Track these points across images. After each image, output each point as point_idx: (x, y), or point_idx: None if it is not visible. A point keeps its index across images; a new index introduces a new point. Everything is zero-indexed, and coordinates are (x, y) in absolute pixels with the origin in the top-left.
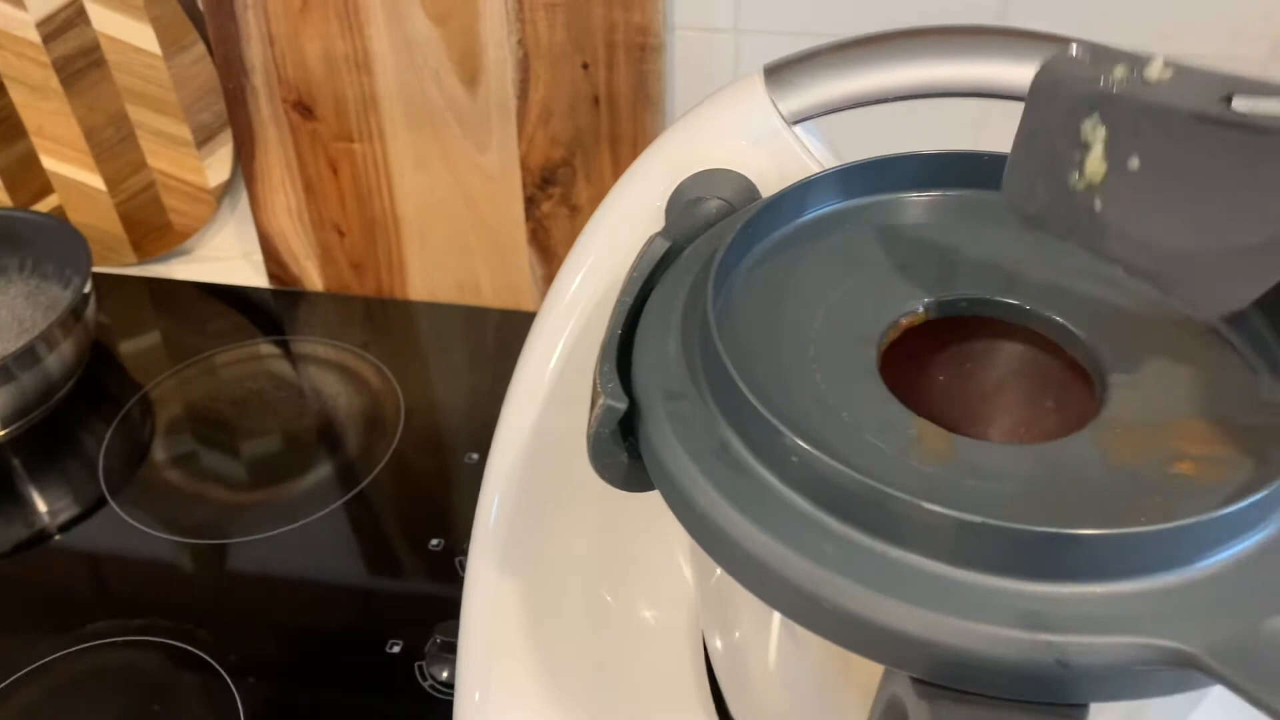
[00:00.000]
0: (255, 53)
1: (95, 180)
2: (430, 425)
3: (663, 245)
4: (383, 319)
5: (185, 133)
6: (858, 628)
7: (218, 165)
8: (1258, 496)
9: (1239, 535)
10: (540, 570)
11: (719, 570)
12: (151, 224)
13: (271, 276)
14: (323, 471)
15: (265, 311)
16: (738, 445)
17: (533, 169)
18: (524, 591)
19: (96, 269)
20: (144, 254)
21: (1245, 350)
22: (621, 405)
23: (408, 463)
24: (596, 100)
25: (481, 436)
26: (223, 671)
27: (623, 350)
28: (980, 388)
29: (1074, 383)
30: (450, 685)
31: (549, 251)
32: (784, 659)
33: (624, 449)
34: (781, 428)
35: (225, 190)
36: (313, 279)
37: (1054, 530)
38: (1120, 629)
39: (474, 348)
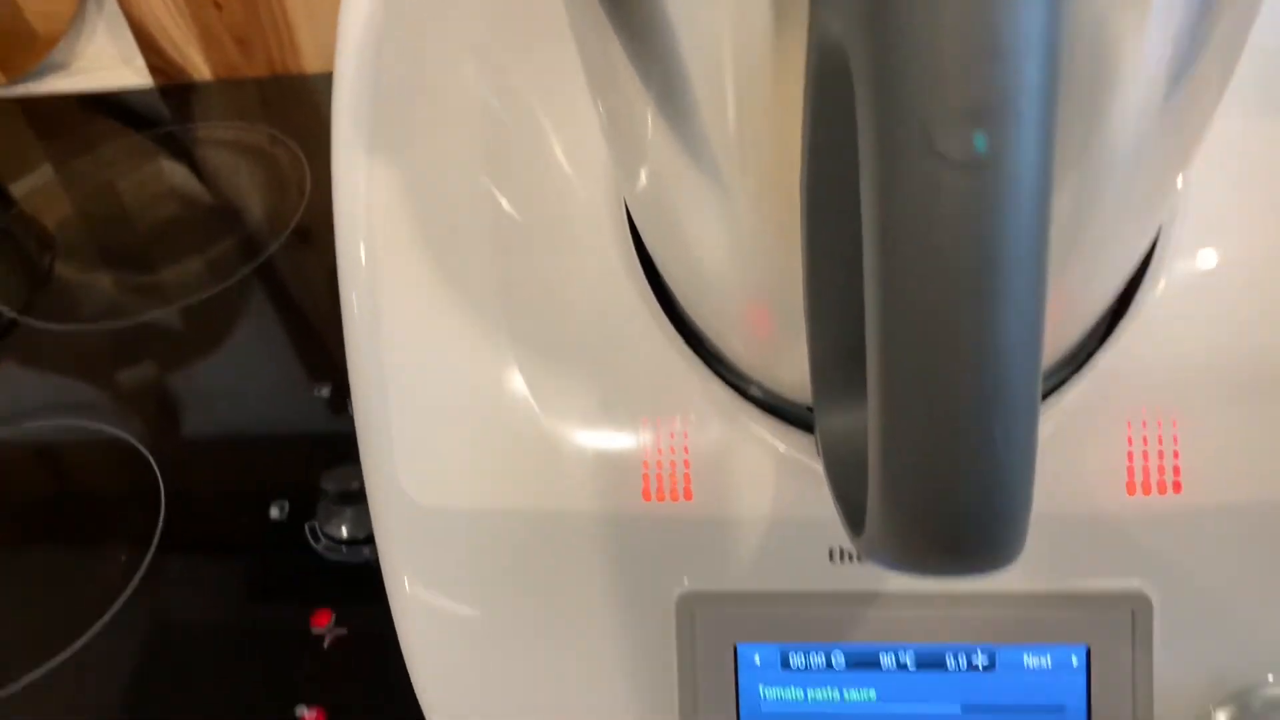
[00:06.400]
0: None
1: None
2: None
3: None
4: (279, 100)
5: None
6: None
7: None
8: None
9: None
10: (418, 144)
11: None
12: (12, 32)
13: (153, 70)
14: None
15: (152, 109)
16: None
17: None
18: (401, 169)
19: None
20: (12, 71)
21: None
22: None
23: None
24: None
25: None
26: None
27: None
28: None
29: None
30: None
31: None
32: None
33: None
34: None
35: None
36: (198, 66)
37: None
38: None
39: None
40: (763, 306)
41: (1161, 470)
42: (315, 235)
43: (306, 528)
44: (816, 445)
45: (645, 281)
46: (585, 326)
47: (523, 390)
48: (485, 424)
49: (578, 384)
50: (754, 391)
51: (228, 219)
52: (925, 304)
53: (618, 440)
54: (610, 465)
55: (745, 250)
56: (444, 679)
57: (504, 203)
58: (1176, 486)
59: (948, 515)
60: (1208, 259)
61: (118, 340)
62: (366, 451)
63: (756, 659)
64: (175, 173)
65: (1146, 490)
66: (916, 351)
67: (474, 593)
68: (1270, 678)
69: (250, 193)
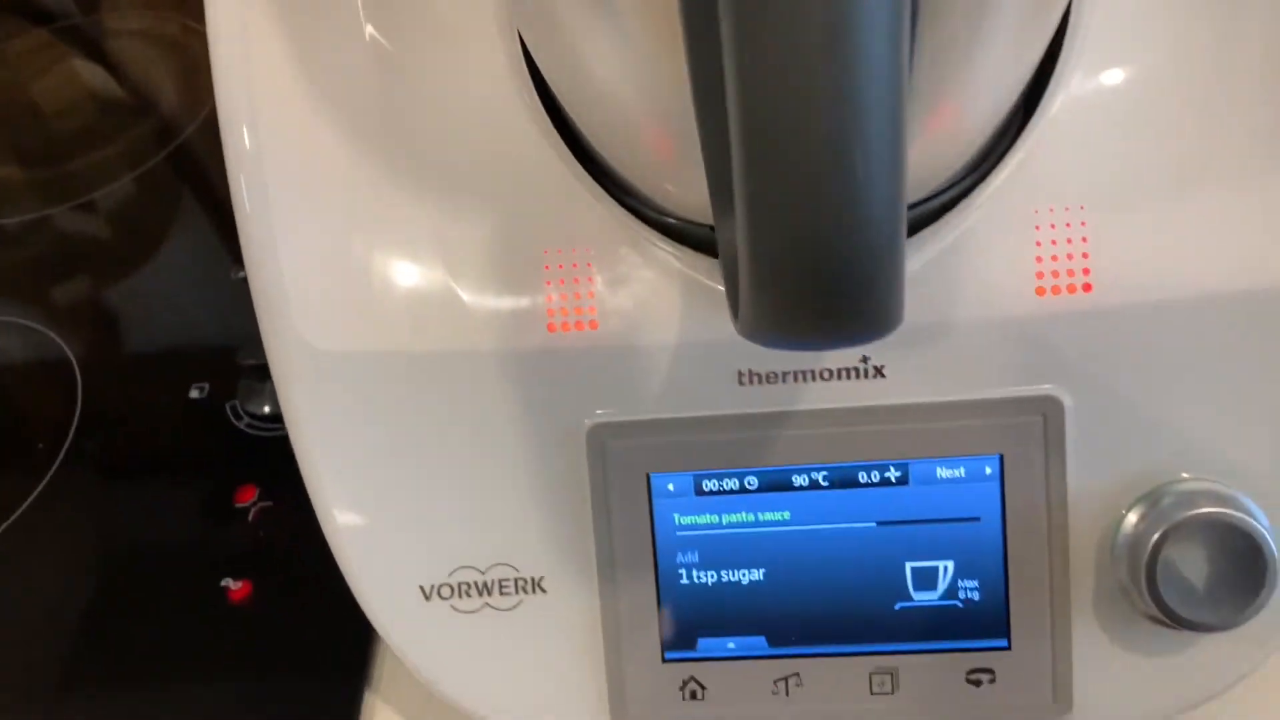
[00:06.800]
0: None
1: None
2: None
3: None
4: None
5: None
6: None
7: None
8: None
9: None
10: None
11: None
12: None
13: None
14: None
15: (57, 1)
16: None
17: None
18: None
19: None
20: None
21: None
22: None
23: None
24: None
25: None
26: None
27: None
28: None
29: None
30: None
31: None
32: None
33: None
34: None
35: None
36: None
37: None
38: None
39: None
40: (660, 119)
41: (1071, 272)
42: None
43: (228, 407)
44: (721, 265)
45: (542, 110)
46: (481, 159)
47: (419, 227)
48: (381, 264)
49: (476, 217)
50: (657, 216)
51: (140, 110)
52: (777, 32)
53: (519, 272)
54: (513, 298)
55: (639, 61)
56: (356, 530)
57: (385, 41)
58: (1086, 287)
59: (811, 261)
60: (1116, 55)
61: (30, 232)
62: (260, 299)
63: (670, 487)
64: (84, 67)
65: (1056, 292)
66: (771, 85)
67: (381, 437)
68: (1185, 475)
69: (163, 83)
